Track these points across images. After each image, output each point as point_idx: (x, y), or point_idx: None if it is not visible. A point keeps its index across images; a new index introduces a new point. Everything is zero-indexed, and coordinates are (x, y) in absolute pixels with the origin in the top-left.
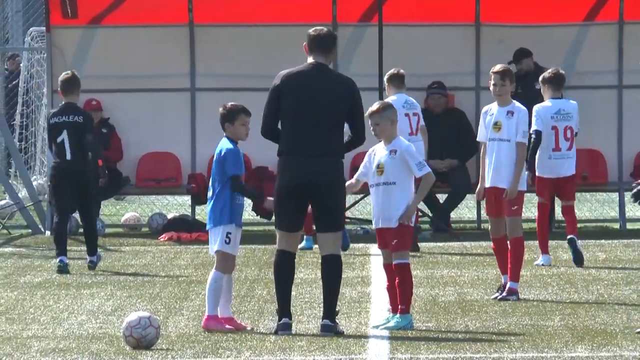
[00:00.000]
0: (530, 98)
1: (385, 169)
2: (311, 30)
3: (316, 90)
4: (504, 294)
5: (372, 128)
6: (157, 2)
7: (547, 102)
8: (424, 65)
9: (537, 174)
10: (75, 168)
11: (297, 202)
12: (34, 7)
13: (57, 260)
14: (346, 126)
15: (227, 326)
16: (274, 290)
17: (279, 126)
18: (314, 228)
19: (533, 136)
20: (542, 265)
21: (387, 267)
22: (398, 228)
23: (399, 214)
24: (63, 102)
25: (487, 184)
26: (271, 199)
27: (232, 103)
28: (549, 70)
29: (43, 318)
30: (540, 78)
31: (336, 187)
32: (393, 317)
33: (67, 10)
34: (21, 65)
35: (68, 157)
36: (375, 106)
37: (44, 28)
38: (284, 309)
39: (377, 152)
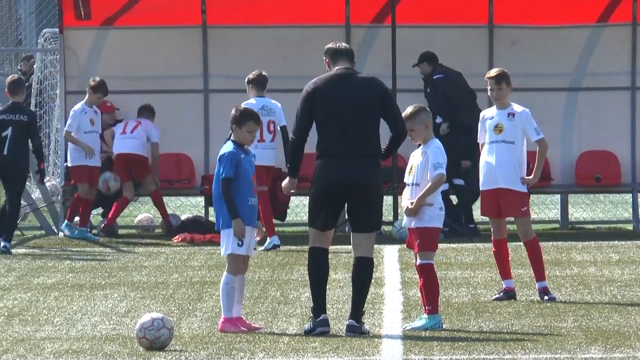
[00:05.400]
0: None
1: (415, 171)
2: (330, 45)
3: (347, 93)
4: (545, 296)
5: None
6: (170, 4)
7: (252, 100)
8: None
9: None
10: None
11: (334, 203)
12: (47, 9)
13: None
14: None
15: (242, 328)
16: (309, 288)
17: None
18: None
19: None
20: (273, 246)
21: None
22: (422, 229)
23: (419, 216)
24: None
25: (485, 186)
26: (240, 225)
27: (245, 107)
28: (253, 72)
29: (56, 319)
30: (246, 79)
31: (373, 187)
32: (421, 317)
33: (81, 11)
34: (34, 66)
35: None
36: (408, 111)
37: (57, 29)
38: (320, 306)
39: (416, 153)
